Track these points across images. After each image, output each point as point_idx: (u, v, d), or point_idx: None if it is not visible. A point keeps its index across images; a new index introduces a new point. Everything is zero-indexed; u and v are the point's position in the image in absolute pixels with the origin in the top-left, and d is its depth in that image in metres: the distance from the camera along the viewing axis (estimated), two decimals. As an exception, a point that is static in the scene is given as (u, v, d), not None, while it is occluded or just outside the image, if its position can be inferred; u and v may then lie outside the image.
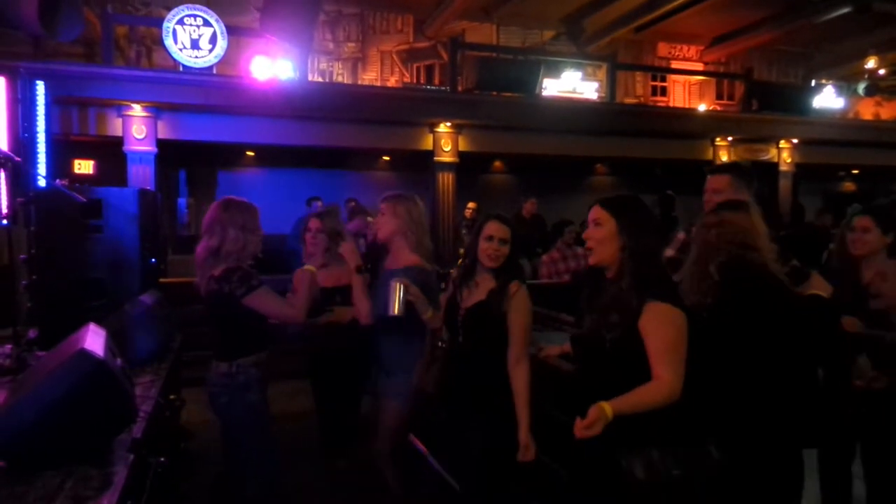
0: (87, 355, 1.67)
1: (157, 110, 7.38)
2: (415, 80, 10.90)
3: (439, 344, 2.78)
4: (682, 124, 10.13)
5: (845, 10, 9.80)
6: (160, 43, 7.65)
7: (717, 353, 2.07)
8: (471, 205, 8.50)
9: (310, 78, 10.09)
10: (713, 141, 10.34)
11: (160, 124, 7.46)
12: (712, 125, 10.37)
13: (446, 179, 8.70)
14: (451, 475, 2.55)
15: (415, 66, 10.76)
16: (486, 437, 2.38)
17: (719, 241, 2.18)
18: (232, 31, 7.70)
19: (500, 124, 8.89)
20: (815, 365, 2.28)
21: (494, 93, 8.84)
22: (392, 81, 10.90)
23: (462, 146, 8.86)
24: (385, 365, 2.91)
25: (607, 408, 1.72)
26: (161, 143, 7.46)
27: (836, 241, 2.88)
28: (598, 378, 1.92)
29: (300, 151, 9.22)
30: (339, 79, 10.81)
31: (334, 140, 8.49)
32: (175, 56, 7.40)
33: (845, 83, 12.39)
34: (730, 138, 10.33)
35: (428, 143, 8.67)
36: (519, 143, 9.35)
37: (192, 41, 7.40)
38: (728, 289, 2.12)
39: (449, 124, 8.61)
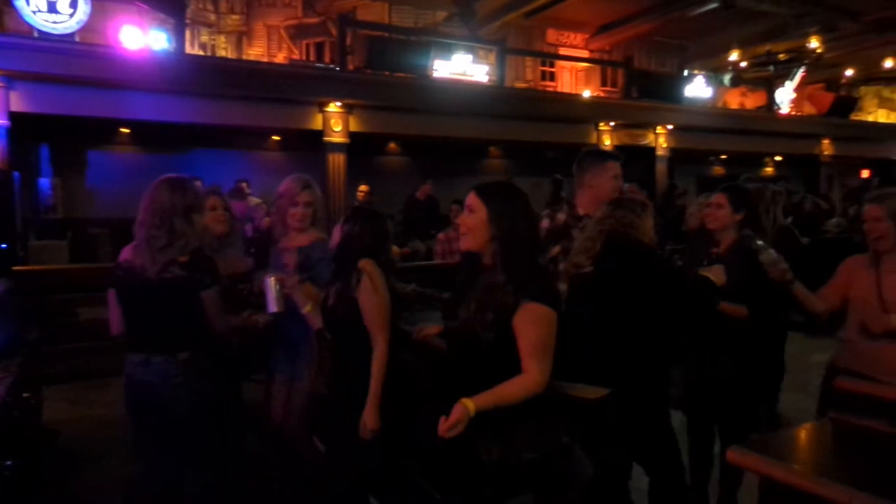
0: None
1: (8, 80, 6.64)
2: (304, 57, 10.55)
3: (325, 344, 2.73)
4: (569, 109, 10.52)
5: (714, 5, 10.54)
6: (10, 4, 6.89)
7: (597, 312, 2.37)
8: (363, 187, 8.38)
9: (189, 50, 9.49)
10: (597, 126, 10.82)
11: (13, 95, 6.73)
12: (596, 111, 10.85)
13: (337, 160, 8.53)
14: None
15: (304, 42, 10.41)
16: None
17: (609, 222, 2.50)
18: (97, -5, 7.08)
19: (391, 105, 8.81)
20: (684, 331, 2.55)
21: (386, 73, 8.74)
22: (280, 58, 10.49)
23: (353, 127, 8.70)
24: (293, 346, 2.86)
25: (470, 405, 1.75)
26: (16, 116, 6.74)
27: (692, 216, 3.12)
28: (471, 373, 1.94)
29: (182, 130, 8.67)
30: (223, 53, 10.25)
31: (217, 118, 8.06)
32: (28, 19, 6.69)
33: (714, 74, 13.37)
34: (612, 123, 10.84)
35: (317, 122, 8.44)
36: (411, 124, 9.31)
37: (48, 4, 6.71)
38: (606, 254, 2.45)
39: (339, 104, 8.42)
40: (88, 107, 7.20)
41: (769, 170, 14.89)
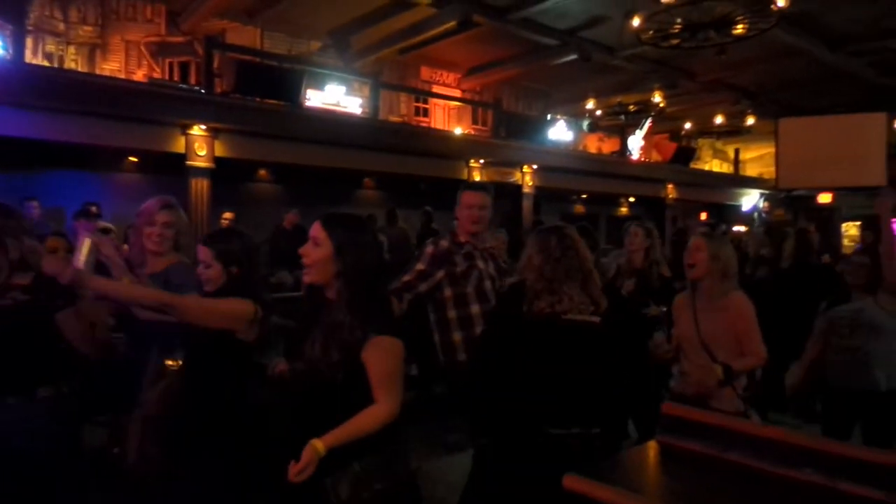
0: None
1: None
2: (167, 77, 10.00)
3: (168, 362, 2.53)
4: (441, 145, 10.81)
5: (572, 56, 11.39)
6: None
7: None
8: (227, 215, 8.00)
9: (32, 60, 8.66)
10: (468, 162, 11.20)
11: None
12: (467, 148, 11.24)
13: (200, 186, 8.10)
14: None
15: (167, 61, 9.87)
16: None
17: None
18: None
19: (261, 131, 8.56)
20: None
21: (257, 99, 8.51)
22: (139, 75, 9.86)
23: (219, 152, 8.32)
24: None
25: (319, 446, 1.72)
26: None
27: None
28: (321, 413, 1.89)
29: (23, 147, 7.82)
30: (73, 65, 9.46)
31: (64, 135, 7.35)
32: None
33: (574, 119, 14.40)
34: (482, 161, 11.28)
35: (180, 145, 7.99)
36: (282, 152, 9.09)
37: None
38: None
39: (204, 127, 8.04)
40: None
41: (624, 209, 16.17)
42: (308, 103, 9.39)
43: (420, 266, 3.00)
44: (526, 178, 12.13)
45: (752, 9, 7.23)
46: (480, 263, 3.03)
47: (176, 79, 10.02)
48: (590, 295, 2.42)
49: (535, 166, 12.09)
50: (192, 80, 9.75)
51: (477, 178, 11.29)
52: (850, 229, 15.06)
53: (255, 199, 11.35)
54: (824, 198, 16.79)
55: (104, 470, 2.74)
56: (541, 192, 12.52)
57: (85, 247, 2.30)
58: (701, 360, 2.72)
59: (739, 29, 7.58)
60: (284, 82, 8.63)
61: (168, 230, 2.71)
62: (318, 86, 9.91)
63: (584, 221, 8.96)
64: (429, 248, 3.05)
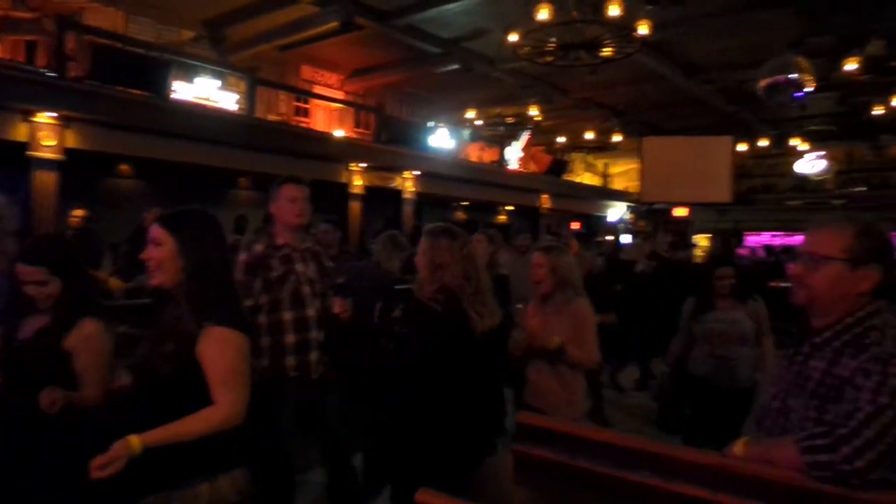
0: None
1: None
2: (10, 56, 8.94)
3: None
4: (322, 147, 10.56)
5: (455, 66, 11.60)
6: None
7: None
8: (77, 212, 7.22)
9: None
10: (348, 165, 11.03)
11: None
12: (348, 151, 11.07)
13: (46, 179, 7.32)
14: None
15: (10, 38, 8.82)
16: None
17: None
18: None
19: (121, 122, 7.90)
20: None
21: (118, 87, 7.83)
22: (-24, 52, 8.75)
23: (72, 143, 7.58)
24: None
25: (135, 442, 1.56)
26: None
27: None
28: (152, 411, 1.73)
29: None
30: None
31: None
32: None
33: (456, 128, 14.65)
34: (363, 165, 11.16)
35: (20, 133, 7.17)
36: (147, 146, 8.45)
37: None
38: None
39: (53, 115, 7.28)
40: None
41: (503, 217, 16.69)
42: (176, 96, 8.79)
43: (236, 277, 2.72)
44: (407, 183, 12.16)
45: (619, 34, 7.71)
46: (299, 266, 2.88)
47: (21, 59, 8.99)
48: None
49: (416, 172, 12.15)
50: (40, 62, 8.79)
51: (357, 182, 11.16)
52: (702, 241, 16.52)
53: (117, 195, 10.48)
54: (680, 211, 18.33)
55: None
56: (422, 198, 12.60)
57: None
58: (545, 366, 2.81)
59: (607, 51, 8.06)
60: (149, 71, 8.02)
61: None
62: (189, 78, 9.31)
63: (467, 227, 9.18)
64: (242, 256, 2.84)
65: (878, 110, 12.24)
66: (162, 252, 1.80)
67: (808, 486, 1.36)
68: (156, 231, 1.82)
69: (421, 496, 1.59)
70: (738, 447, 1.51)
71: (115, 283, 5.85)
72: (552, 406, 2.70)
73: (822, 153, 17.82)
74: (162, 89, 8.07)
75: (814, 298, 1.55)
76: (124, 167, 10.43)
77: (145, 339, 1.86)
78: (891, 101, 11.28)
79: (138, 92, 7.96)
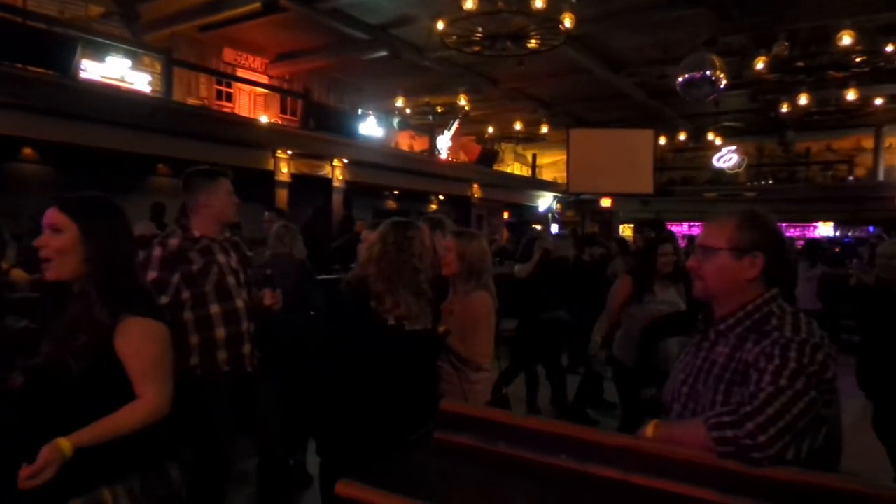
0: None
1: None
2: None
3: None
4: (246, 133, 10.20)
5: (383, 53, 11.45)
6: None
7: None
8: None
9: None
10: (275, 152, 10.71)
11: None
12: (274, 137, 10.75)
13: (-64, 163, 6.73)
14: None
15: None
16: None
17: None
18: None
19: (22, 103, 7.35)
20: None
21: (18, 65, 7.27)
22: None
23: (-35, 124, 7.01)
24: None
25: (65, 444, 1.45)
26: None
27: None
28: (65, 414, 1.60)
29: None
30: None
31: None
32: None
33: (385, 115, 14.50)
34: (290, 152, 10.86)
35: None
36: (51, 129, 7.90)
37: None
38: None
39: (-58, 93, 6.70)
40: None
41: (434, 206, 16.70)
42: (84, 75, 8.26)
43: (151, 274, 2.59)
44: (336, 171, 11.95)
45: (544, 25, 7.82)
46: (221, 258, 2.76)
47: None
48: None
49: (345, 160, 11.96)
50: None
51: (284, 169, 10.86)
52: (626, 230, 17.11)
53: (19, 182, 9.75)
54: (605, 202, 18.92)
55: None
56: (352, 187, 12.41)
57: None
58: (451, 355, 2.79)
59: (533, 43, 8.16)
60: (54, 49, 7.50)
61: None
62: (98, 57, 8.76)
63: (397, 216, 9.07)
64: (156, 251, 2.67)
65: (785, 108, 13.01)
66: (61, 240, 1.64)
67: (713, 462, 1.41)
68: (54, 217, 1.66)
69: (341, 488, 1.55)
70: (649, 429, 1.55)
71: (18, 274, 5.46)
72: (450, 395, 2.67)
73: (734, 148, 18.82)
74: (68, 68, 7.56)
75: (708, 289, 1.65)
76: (28, 151, 9.72)
77: (48, 335, 1.71)
78: (797, 99, 11.99)
79: (42, 70, 7.43)
